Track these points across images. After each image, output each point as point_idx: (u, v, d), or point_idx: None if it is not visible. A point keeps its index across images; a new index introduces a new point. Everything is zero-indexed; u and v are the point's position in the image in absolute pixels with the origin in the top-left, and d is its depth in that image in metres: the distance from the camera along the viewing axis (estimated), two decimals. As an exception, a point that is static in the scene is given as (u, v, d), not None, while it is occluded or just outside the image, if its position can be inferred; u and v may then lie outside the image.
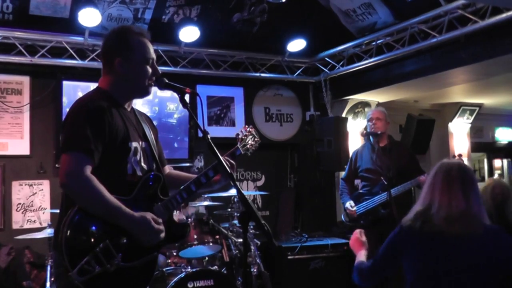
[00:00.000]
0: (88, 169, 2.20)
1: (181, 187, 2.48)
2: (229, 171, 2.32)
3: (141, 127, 2.53)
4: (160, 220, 2.32)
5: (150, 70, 2.45)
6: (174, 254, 4.66)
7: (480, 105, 8.49)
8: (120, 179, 2.34)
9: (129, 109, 2.53)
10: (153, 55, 2.48)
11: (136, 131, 2.47)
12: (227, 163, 2.43)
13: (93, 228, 2.19)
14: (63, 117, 5.18)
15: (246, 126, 2.87)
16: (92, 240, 2.16)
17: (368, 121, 5.23)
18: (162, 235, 2.31)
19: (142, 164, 2.45)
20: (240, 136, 2.81)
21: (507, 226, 5.54)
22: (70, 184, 2.19)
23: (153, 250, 2.35)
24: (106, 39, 2.52)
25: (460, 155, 4.90)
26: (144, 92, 2.50)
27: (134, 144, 2.41)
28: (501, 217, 5.54)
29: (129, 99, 2.52)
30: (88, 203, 2.19)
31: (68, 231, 2.14)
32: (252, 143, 2.83)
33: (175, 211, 2.53)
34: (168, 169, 2.73)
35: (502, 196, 5.57)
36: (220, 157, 2.30)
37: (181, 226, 2.57)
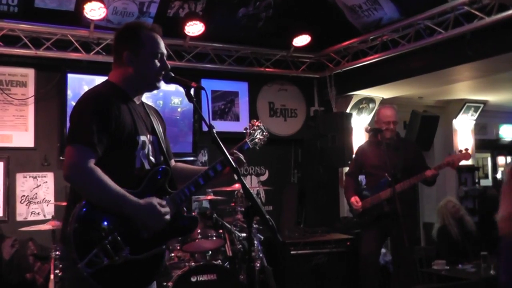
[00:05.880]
0: (92, 162, 2.20)
1: (189, 181, 2.46)
2: (234, 166, 2.31)
3: (150, 120, 2.52)
4: (164, 202, 2.32)
5: (158, 64, 2.45)
6: (178, 248, 4.68)
7: (484, 102, 8.47)
8: (128, 173, 2.34)
9: (138, 102, 2.52)
10: (163, 50, 2.48)
11: (144, 124, 2.46)
12: (238, 157, 2.44)
13: (101, 221, 2.20)
14: (68, 110, 5.29)
15: (255, 120, 2.85)
16: (101, 232, 2.17)
17: (382, 122, 5.03)
18: (168, 217, 2.30)
19: (151, 157, 2.45)
20: (248, 130, 2.79)
21: (469, 236, 5.78)
22: (73, 176, 2.20)
23: (161, 244, 2.35)
24: (117, 32, 2.54)
25: (466, 149, 4.85)
26: (152, 86, 2.50)
27: (142, 137, 2.41)
28: (463, 229, 5.88)
29: (138, 93, 2.52)
30: (92, 194, 2.19)
31: (77, 224, 2.15)
32: (261, 137, 2.82)
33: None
34: (173, 162, 2.72)
35: (459, 212, 5.98)
36: (225, 151, 2.30)
37: (190, 219, 2.55)
